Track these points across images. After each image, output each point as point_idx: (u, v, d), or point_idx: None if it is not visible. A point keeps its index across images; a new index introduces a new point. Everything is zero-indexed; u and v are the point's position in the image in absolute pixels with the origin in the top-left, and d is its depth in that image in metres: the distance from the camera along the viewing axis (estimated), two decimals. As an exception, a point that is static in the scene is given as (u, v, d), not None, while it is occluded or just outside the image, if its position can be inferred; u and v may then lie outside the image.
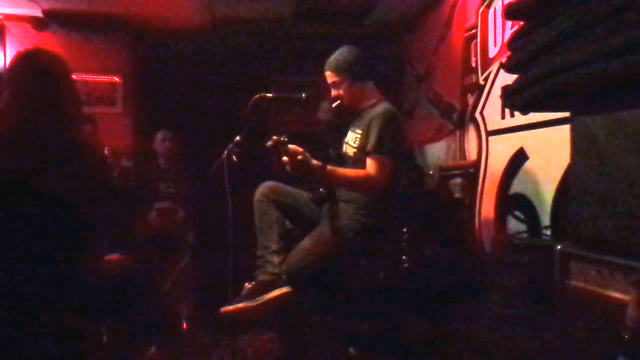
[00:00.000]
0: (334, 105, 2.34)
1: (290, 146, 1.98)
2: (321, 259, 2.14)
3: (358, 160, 2.19)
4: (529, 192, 2.58)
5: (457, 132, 3.52)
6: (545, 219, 2.37)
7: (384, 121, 2.14)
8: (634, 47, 1.26)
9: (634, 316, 1.22)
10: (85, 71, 4.49)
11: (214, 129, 3.91)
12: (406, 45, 4.62)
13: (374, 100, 2.31)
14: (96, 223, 1.78)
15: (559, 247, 1.61)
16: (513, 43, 1.87)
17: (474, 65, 3.26)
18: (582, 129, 1.60)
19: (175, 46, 4.63)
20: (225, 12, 4.19)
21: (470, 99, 3.31)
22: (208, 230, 3.40)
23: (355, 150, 2.24)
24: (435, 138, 3.87)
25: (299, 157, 1.97)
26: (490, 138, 3.06)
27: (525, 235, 2.51)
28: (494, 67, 2.98)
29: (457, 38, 3.55)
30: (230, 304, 2.14)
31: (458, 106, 3.49)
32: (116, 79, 4.58)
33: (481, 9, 3.16)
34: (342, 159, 2.28)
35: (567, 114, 1.87)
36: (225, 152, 2.17)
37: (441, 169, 3.62)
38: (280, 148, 1.95)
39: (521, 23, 1.86)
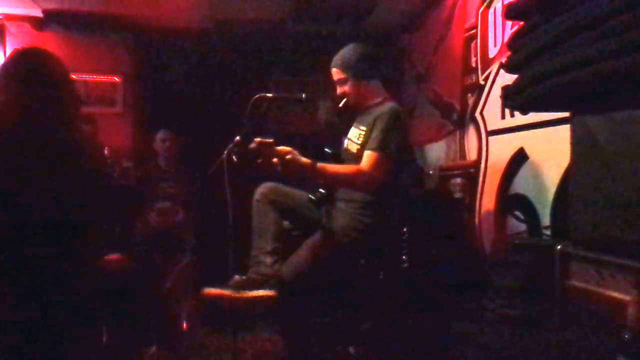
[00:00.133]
0: (340, 104, 2.34)
1: (278, 147, 1.98)
2: (319, 266, 2.14)
3: (360, 157, 2.19)
4: (529, 192, 2.58)
5: (457, 132, 3.52)
6: (545, 219, 2.37)
7: (389, 120, 2.14)
8: (634, 47, 1.26)
9: (634, 316, 1.22)
10: (85, 71, 4.49)
11: (214, 129, 3.91)
12: (406, 45, 4.62)
13: (380, 99, 2.31)
14: (96, 223, 1.78)
15: (559, 247, 1.61)
16: (513, 43, 1.87)
17: (474, 65, 3.26)
18: (582, 129, 1.60)
19: (176, 46, 4.63)
20: (226, 12, 4.19)
21: (470, 99, 3.31)
22: (208, 230, 3.40)
23: (358, 146, 2.24)
24: (435, 138, 3.87)
25: (288, 156, 1.97)
26: (490, 138, 3.06)
27: (525, 235, 2.51)
28: (494, 67, 2.98)
29: (457, 38, 3.55)
30: (216, 287, 2.13)
31: (458, 106, 3.49)
32: (116, 79, 4.58)
33: (481, 9, 3.16)
34: (338, 157, 2.27)
35: (567, 114, 1.87)
36: (225, 152, 2.17)
37: (441, 169, 3.62)
38: (266, 150, 1.96)
39: (521, 23, 1.86)
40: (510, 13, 1.91)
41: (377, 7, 4.05)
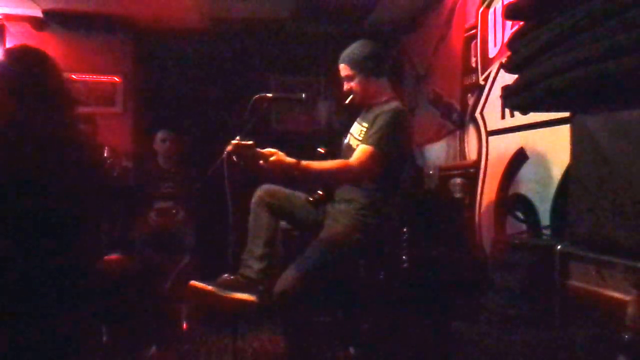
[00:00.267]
0: (347, 101, 2.33)
1: (260, 150, 2.00)
2: (323, 268, 2.13)
3: None
4: (529, 192, 2.58)
5: (457, 132, 3.52)
6: (545, 219, 2.37)
7: (389, 118, 2.14)
8: (634, 47, 1.26)
9: (634, 316, 1.22)
10: (85, 71, 4.49)
11: (214, 129, 3.92)
12: (406, 45, 4.62)
13: (385, 97, 2.30)
14: (94, 222, 1.78)
15: (559, 247, 1.61)
16: (513, 43, 1.87)
17: (474, 65, 3.26)
18: (582, 129, 1.60)
19: (175, 46, 4.63)
20: (225, 12, 4.19)
21: (470, 99, 3.31)
22: (208, 230, 3.40)
23: (358, 142, 2.24)
24: (435, 138, 3.87)
25: (273, 158, 1.98)
26: (490, 138, 3.06)
27: (525, 235, 2.50)
28: (494, 67, 2.98)
29: (457, 38, 3.55)
30: (203, 282, 2.16)
31: (458, 106, 3.49)
32: (116, 79, 4.58)
33: (481, 9, 3.16)
34: (332, 157, 2.26)
35: (567, 114, 1.87)
36: (225, 152, 2.17)
37: (441, 169, 3.62)
38: (246, 152, 1.97)
39: (521, 23, 1.86)
40: (510, 13, 1.91)
41: (377, 7, 4.05)
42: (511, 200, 2.75)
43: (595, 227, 1.51)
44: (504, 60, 2.68)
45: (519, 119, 2.67)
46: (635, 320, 1.22)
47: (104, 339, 2.62)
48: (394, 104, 2.24)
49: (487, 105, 3.09)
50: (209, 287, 2.13)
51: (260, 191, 2.34)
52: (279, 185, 2.37)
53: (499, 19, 2.92)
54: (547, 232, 2.31)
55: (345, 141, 2.38)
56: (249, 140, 2.02)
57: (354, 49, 2.28)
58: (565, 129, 1.78)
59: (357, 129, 2.30)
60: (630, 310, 1.24)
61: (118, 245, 3.14)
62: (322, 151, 2.26)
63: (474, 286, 2.42)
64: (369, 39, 2.34)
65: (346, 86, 2.31)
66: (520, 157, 2.68)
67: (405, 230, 2.60)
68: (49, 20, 4.29)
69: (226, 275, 2.21)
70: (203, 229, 3.63)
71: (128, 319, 2.74)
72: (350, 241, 2.17)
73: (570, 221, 1.66)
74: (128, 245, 3.29)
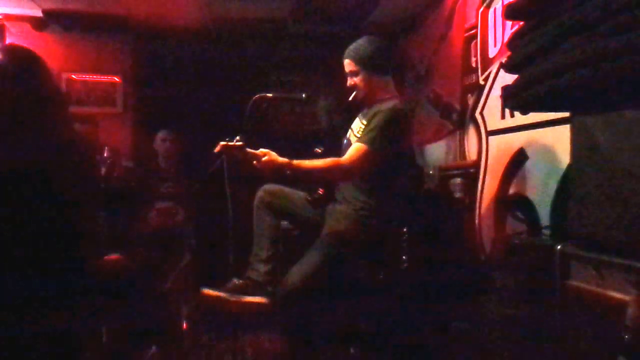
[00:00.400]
0: (350, 97, 2.33)
1: (252, 150, 2.02)
2: (324, 269, 2.14)
3: None
4: (529, 192, 2.58)
5: (457, 132, 3.52)
6: (545, 219, 2.37)
7: (386, 117, 2.13)
8: (634, 47, 1.26)
9: (634, 316, 1.22)
10: (85, 71, 4.50)
11: (214, 129, 3.91)
12: (406, 45, 4.62)
13: (387, 96, 2.30)
14: (86, 222, 1.76)
15: (559, 247, 1.61)
16: (513, 43, 1.87)
17: (474, 65, 3.26)
18: (582, 129, 1.60)
19: (175, 46, 4.63)
20: (225, 12, 4.19)
21: (470, 99, 3.30)
22: (208, 230, 3.40)
23: (356, 139, 2.24)
24: (435, 138, 3.87)
25: (265, 158, 2.01)
26: (490, 138, 3.06)
27: (525, 235, 2.50)
28: (494, 67, 2.97)
29: (457, 38, 3.55)
30: (211, 289, 2.22)
31: (458, 106, 3.49)
32: (116, 79, 4.58)
33: (481, 9, 3.16)
34: (330, 155, 2.26)
35: (567, 114, 1.87)
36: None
37: (441, 169, 3.62)
38: (235, 153, 1.99)
39: (521, 23, 1.86)
40: (510, 13, 1.91)
41: (377, 7, 4.05)
42: (511, 200, 2.75)
43: (595, 227, 1.51)
44: (504, 60, 2.68)
45: (519, 119, 2.67)
46: (635, 320, 1.22)
47: (104, 339, 2.62)
48: (393, 103, 2.23)
49: (487, 105, 3.08)
50: (221, 294, 2.19)
51: (261, 192, 2.36)
52: (280, 185, 2.38)
53: (499, 19, 2.92)
54: (547, 232, 2.31)
55: (347, 137, 2.38)
56: (246, 141, 2.03)
57: (359, 45, 2.27)
58: (565, 129, 1.78)
59: (357, 126, 2.30)
60: (630, 310, 1.24)
61: (118, 245, 3.14)
62: (319, 151, 2.27)
63: (473, 286, 2.42)
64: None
65: (350, 82, 2.30)
66: (520, 157, 2.68)
67: (405, 230, 2.60)
68: (49, 20, 4.29)
69: (235, 280, 2.26)
70: (203, 229, 3.63)
71: (128, 319, 2.74)
72: (351, 241, 2.17)
73: (570, 221, 1.66)
74: (128, 245, 3.29)
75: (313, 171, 2.11)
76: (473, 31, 3.28)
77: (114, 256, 2.15)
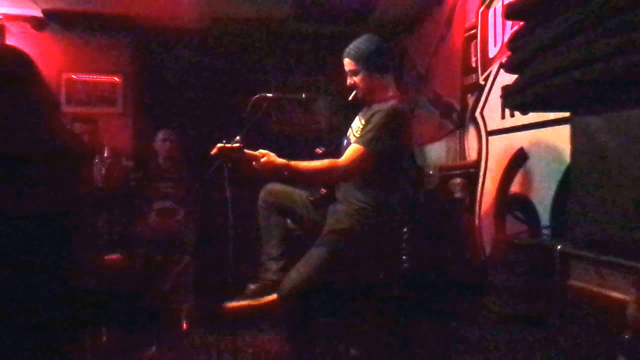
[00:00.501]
0: (350, 97, 2.32)
1: (250, 152, 2.02)
2: (325, 269, 2.14)
3: None
4: (529, 192, 2.58)
5: (457, 132, 3.52)
6: (545, 219, 2.37)
7: (384, 117, 2.12)
8: (634, 47, 1.26)
9: (634, 316, 1.22)
10: (85, 71, 4.50)
11: (214, 129, 3.91)
12: (406, 45, 4.62)
13: (387, 95, 2.28)
14: (77, 221, 1.75)
15: (559, 247, 1.61)
16: (513, 43, 1.87)
17: (474, 65, 3.26)
18: (582, 129, 1.60)
19: (176, 46, 4.63)
20: (225, 12, 4.19)
21: (470, 99, 3.31)
22: (208, 230, 3.40)
23: (355, 140, 2.24)
24: (435, 138, 3.87)
25: (263, 159, 2.01)
26: (490, 138, 3.06)
27: (525, 235, 2.51)
28: (494, 67, 2.98)
29: (457, 38, 3.55)
30: (233, 301, 2.22)
31: (458, 106, 3.49)
32: (116, 79, 4.58)
33: (481, 9, 3.16)
34: (330, 156, 2.26)
35: (567, 114, 1.88)
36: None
37: (441, 169, 3.62)
38: (233, 154, 1.99)
39: (521, 23, 1.86)
40: (510, 13, 1.91)
41: (377, 7, 4.05)
42: (511, 200, 2.75)
43: (595, 227, 1.51)
44: (504, 60, 2.68)
45: (519, 119, 2.67)
46: (635, 320, 1.22)
47: (104, 339, 2.63)
48: (391, 103, 2.20)
49: (487, 105, 3.09)
50: (244, 303, 2.21)
51: (264, 192, 2.37)
52: (282, 184, 2.38)
53: (499, 19, 2.92)
54: (547, 232, 2.31)
55: (347, 136, 2.38)
56: (245, 141, 2.03)
57: (359, 43, 2.24)
58: (565, 129, 1.78)
59: (357, 125, 2.30)
60: (630, 310, 1.24)
61: (118, 245, 3.15)
62: (320, 151, 2.27)
63: (473, 286, 2.42)
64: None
65: (349, 81, 2.29)
66: (520, 157, 2.68)
67: (405, 230, 2.60)
68: (49, 20, 4.30)
69: (251, 285, 2.28)
70: (203, 229, 3.63)
71: (128, 319, 2.74)
72: (352, 241, 2.17)
73: (570, 221, 1.66)
74: (128, 245, 3.29)
75: (311, 172, 2.12)
76: (473, 31, 3.28)
77: (114, 256, 2.14)
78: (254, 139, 2.08)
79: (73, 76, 4.48)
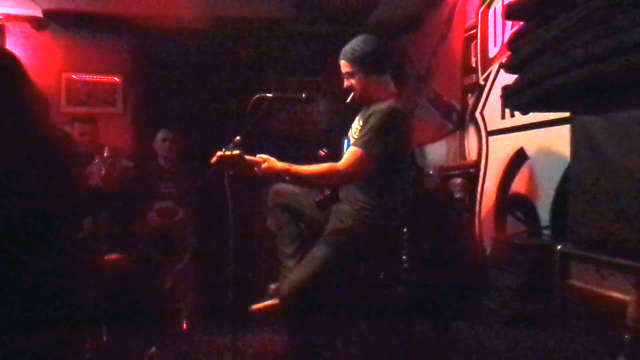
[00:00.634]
0: (348, 99, 2.31)
1: (250, 158, 2.03)
2: (327, 270, 2.14)
3: None
4: (529, 192, 2.58)
5: (457, 132, 3.52)
6: (545, 219, 2.37)
7: (380, 118, 2.10)
8: (634, 47, 1.26)
9: (634, 316, 1.22)
10: (85, 71, 4.50)
11: (214, 129, 3.91)
12: (406, 45, 4.62)
13: (385, 95, 2.26)
14: (71, 227, 1.75)
15: (559, 247, 1.61)
16: (513, 43, 1.87)
17: (474, 65, 3.26)
18: (582, 129, 1.60)
19: (175, 46, 4.63)
20: (226, 12, 4.19)
21: (470, 99, 3.31)
22: (208, 230, 3.40)
23: (353, 141, 2.24)
24: (435, 138, 3.87)
25: (265, 165, 2.03)
26: (490, 138, 3.06)
27: (525, 235, 2.51)
28: (494, 67, 2.98)
29: (457, 38, 3.55)
30: (257, 302, 2.24)
31: (458, 106, 3.49)
32: (116, 79, 4.58)
33: (481, 9, 3.16)
34: (332, 159, 2.26)
35: (567, 114, 1.88)
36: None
37: (441, 169, 3.62)
38: (233, 162, 2.00)
39: (521, 23, 1.86)
40: (510, 13, 1.92)
41: (377, 7, 4.05)
42: (511, 200, 2.75)
43: (595, 227, 1.51)
44: (504, 60, 2.68)
45: (519, 119, 2.67)
46: (635, 320, 1.22)
47: (104, 339, 2.63)
48: (388, 103, 2.18)
49: (487, 105, 3.09)
50: (270, 302, 2.21)
51: (272, 193, 2.40)
52: (287, 184, 2.39)
53: (499, 19, 2.92)
54: (547, 232, 2.31)
55: (348, 136, 2.38)
56: (245, 142, 2.03)
57: (354, 45, 2.21)
58: (565, 129, 1.78)
59: (355, 126, 2.30)
60: (630, 310, 1.24)
61: (118, 245, 3.15)
62: (323, 153, 2.27)
63: (473, 286, 2.42)
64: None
65: (346, 83, 2.27)
66: (520, 157, 2.68)
67: (405, 230, 2.60)
68: (49, 20, 4.30)
69: (272, 285, 2.34)
70: (203, 228, 3.63)
71: (128, 319, 2.75)
72: (352, 241, 2.18)
73: (570, 221, 1.66)
74: (128, 245, 3.29)
75: (311, 177, 2.13)
76: (473, 31, 3.28)
77: (114, 256, 2.14)
78: (255, 139, 2.08)
79: (73, 76, 4.48)
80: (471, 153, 3.32)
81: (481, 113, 3.15)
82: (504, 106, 2.85)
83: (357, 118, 2.36)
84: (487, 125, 3.09)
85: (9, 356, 1.53)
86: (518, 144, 2.69)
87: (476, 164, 3.18)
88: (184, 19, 4.26)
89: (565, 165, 2.09)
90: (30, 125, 1.63)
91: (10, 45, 4.31)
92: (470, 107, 3.31)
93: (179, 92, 4.61)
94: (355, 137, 2.22)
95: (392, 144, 2.12)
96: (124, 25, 4.39)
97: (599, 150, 1.50)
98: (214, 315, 2.97)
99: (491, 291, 2.06)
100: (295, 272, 2.16)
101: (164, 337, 2.90)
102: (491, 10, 3.04)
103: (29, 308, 1.55)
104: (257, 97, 2.23)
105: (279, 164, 2.05)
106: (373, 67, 2.22)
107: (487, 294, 2.08)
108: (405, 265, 2.63)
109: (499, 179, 2.88)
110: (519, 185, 2.71)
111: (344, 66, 2.25)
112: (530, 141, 2.59)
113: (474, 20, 3.26)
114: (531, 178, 2.60)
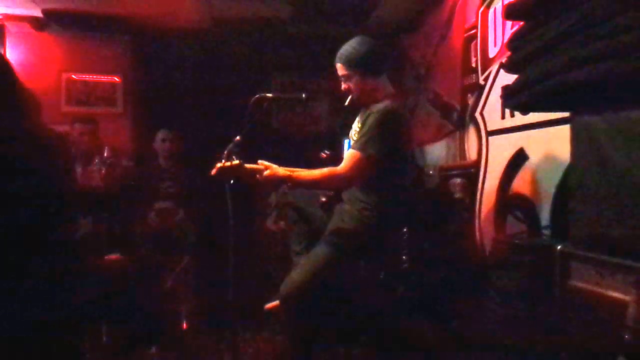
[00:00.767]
0: (346, 102, 2.30)
1: (251, 166, 2.06)
2: (327, 269, 2.15)
3: None
4: (529, 192, 2.58)
5: (457, 132, 3.52)
6: (545, 219, 2.37)
7: (377, 119, 2.10)
8: (634, 47, 1.26)
9: (634, 316, 1.22)
10: (85, 71, 4.50)
11: (214, 129, 3.92)
12: (406, 45, 4.62)
13: (383, 96, 2.25)
14: (64, 225, 1.74)
15: (559, 247, 1.61)
16: (513, 43, 1.87)
17: (474, 65, 3.26)
18: (582, 129, 1.60)
19: (175, 46, 4.63)
20: (225, 12, 4.19)
21: (470, 99, 3.31)
22: (208, 230, 3.41)
23: (352, 144, 2.25)
24: (435, 138, 3.87)
25: (266, 172, 2.06)
26: (490, 138, 3.06)
27: (525, 235, 2.51)
28: (494, 67, 2.98)
29: (457, 38, 3.55)
30: (272, 301, 2.27)
31: (458, 106, 3.49)
32: (116, 79, 4.58)
33: (481, 9, 3.16)
34: (335, 160, 2.28)
35: (567, 114, 1.87)
36: (225, 152, 2.17)
37: (441, 169, 3.62)
38: (234, 171, 2.02)
39: (521, 23, 1.86)
40: (510, 13, 1.91)
41: (378, 8, 4.05)
42: (511, 200, 2.75)
43: (595, 227, 1.51)
44: (504, 60, 2.68)
45: (519, 119, 2.67)
46: (635, 320, 1.22)
47: (104, 339, 2.63)
48: (384, 104, 2.17)
49: (487, 105, 3.08)
50: None
51: (279, 194, 2.46)
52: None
53: (499, 19, 2.92)
54: (547, 232, 2.31)
55: (349, 137, 2.39)
56: (244, 144, 2.04)
57: (349, 47, 2.20)
58: (565, 129, 1.78)
59: (354, 128, 2.30)
60: (630, 310, 1.24)
61: (118, 245, 3.15)
62: (325, 155, 2.28)
63: (473, 286, 2.42)
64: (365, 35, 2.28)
65: (344, 86, 2.26)
66: (520, 157, 2.68)
67: (405, 230, 2.60)
68: (49, 20, 4.29)
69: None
70: (203, 229, 3.63)
71: (128, 319, 2.75)
72: (353, 241, 2.18)
73: (570, 221, 1.66)
74: (128, 245, 3.29)
75: (312, 182, 2.15)
76: (473, 31, 3.28)
77: (114, 256, 2.14)
78: (255, 140, 2.09)
79: (73, 76, 4.48)
80: (471, 153, 3.32)
81: (481, 113, 3.15)
82: (504, 106, 2.85)
83: (357, 119, 2.36)
84: (487, 125, 3.09)
85: (8, 357, 1.53)
86: (518, 144, 2.69)
87: (476, 164, 3.18)
88: (184, 19, 4.27)
89: (565, 165, 2.09)
90: (21, 125, 1.63)
91: (10, 45, 4.32)
92: (470, 107, 3.31)
93: (179, 92, 4.61)
94: (354, 138, 2.23)
95: (389, 144, 2.12)
96: (124, 25, 4.39)
97: (599, 150, 1.50)
98: (214, 315, 2.97)
99: (491, 291, 2.06)
100: (295, 273, 2.16)
101: (164, 337, 2.89)
102: (491, 10, 3.04)
103: (27, 309, 1.55)
104: (257, 97, 2.23)
105: (281, 171, 2.06)
106: (369, 69, 2.21)
107: (487, 294, 2.08)
108: (405, 265, 2.63)
109: (499, 179, 2.88)
110: (519, 185, 2.71)
111: (340, 69, 2.24)
112: (530, 141, 2.59)
113: (474, 20, 3.26)
114: (531, 178, 2.60)
